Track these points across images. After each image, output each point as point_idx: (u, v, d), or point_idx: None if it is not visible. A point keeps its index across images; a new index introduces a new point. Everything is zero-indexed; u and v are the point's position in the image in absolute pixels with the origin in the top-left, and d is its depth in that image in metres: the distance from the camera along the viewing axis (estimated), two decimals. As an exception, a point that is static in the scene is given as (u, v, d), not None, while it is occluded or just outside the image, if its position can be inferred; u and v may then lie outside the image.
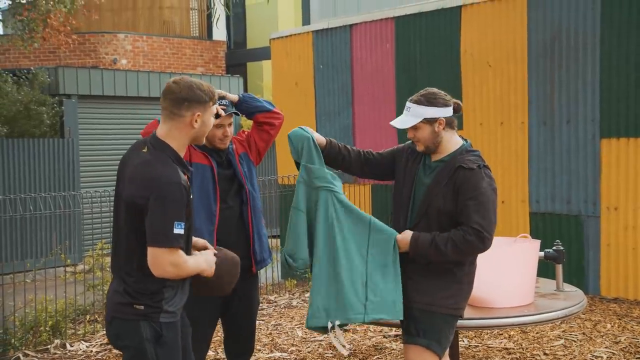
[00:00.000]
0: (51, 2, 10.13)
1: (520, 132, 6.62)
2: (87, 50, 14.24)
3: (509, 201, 6.69)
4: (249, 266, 3.39)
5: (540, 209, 6.52)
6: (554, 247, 3.96)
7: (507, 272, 3.48)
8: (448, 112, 3.05)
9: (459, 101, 3.10)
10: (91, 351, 5.29)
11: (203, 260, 2.69)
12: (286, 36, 8.65)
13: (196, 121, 2.60)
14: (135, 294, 2.58)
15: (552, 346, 4.94)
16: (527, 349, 4.90)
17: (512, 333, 5.22)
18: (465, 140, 3.12)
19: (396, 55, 7.51)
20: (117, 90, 11.37)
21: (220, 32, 16.81)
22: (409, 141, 3.15)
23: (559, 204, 6.40)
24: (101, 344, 5.45)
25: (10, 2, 10.84)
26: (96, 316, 6.08)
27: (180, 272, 2.55)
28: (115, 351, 5.25)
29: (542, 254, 3.87)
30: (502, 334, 5.20)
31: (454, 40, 7.01)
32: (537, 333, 5.22)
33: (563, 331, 5.27)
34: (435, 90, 3.08)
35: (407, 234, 3.02)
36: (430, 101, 3.03)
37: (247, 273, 3.35)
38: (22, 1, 10.49)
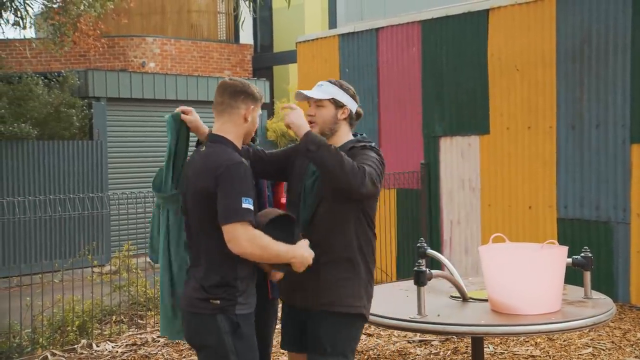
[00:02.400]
0: (81, 7, 10.28)
1: (548, 136, 6.54)
2: (116, 54, 14.42)
3: (535, 206, 6.62)
4: (265, 293, 3.07)
5: (568, 215, 6.43)
6: (582, 254, 3.90)
7: (534, 278, 3.44)
8: (354, 106, 3.05)
9: (361, 110, 3.11)
10: (117, 352, 5.34)
11: (298, 249, 2.68)
12: (313, 40, 8.66)
13: (249, 115, 2.77)
14: (209, 288, 2.65)
15: (580, 354, 4.86)
16: (554, 357, 4.83)
17: (538, 340, 5.15)
18: (360, 134, 3.09)
19: (423, 59, 7.48)
20: (145, 93, 11.48)
21: (247, 36, 16.89)
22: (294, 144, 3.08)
23: (587, 209, 6.30)
24: (127, 345, 5.50)
25: (42, 7, 11.03)
26: (122, 317, 6.14)
27: (257, 248, 2.56)
28: (140, 352, 5.30)
29: (570, 260, 3.81)
30: (528, 341, 5.14)
31: (481, 44, 6.95)
32: (564, 341, 5.15)
33: (591, 339, 5.18)
34: (347, 83, 3.11)
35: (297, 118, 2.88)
36: (343, 87, 3.03)
37: (263, 300, 2.99)
38: (53, 6, 10.66)
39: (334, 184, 2.79)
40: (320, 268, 2.86)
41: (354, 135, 3.08)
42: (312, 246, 2.82)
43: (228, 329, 2.63)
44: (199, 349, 2.75)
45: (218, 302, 2.63)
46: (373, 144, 3.04)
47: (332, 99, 3.00)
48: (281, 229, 2.74)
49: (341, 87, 3.05)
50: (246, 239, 2.55)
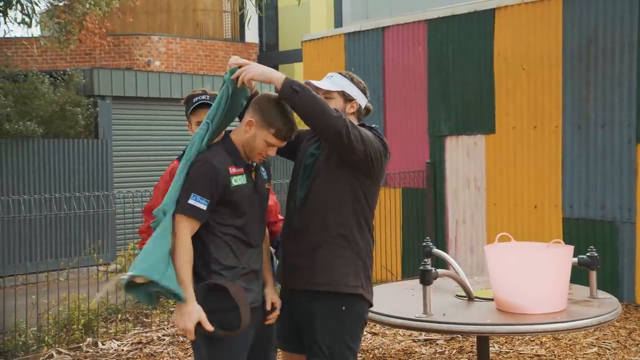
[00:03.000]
0: (87, 5, 10.29)
1: (554, 136, 6.53)
2: (122, 52, 14.44)
3: (541, 206, 6.61)
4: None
5: (573, 215, 6.42)
6: (588, 253, 3.89)
7: (539, 277, 3.43)
8: (363, 101, 2.97)
9: (371, 105, 3.04)
10: (122, 350, 5.35)
11: (189, 299, 2.57)
12: (318, 38, 8.66)
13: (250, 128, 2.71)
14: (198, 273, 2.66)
15: (585, 354, 4.85)
16: (559, 356, 4.82)
17: (544, 340, 5.15)
18: (369, 126, 2.99)
19: (428, 58, 7.47)
20: (151, 92, 11.50)
21: (252, 35, 16.91)
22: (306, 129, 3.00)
23: (593, 209, 6.29)
24: (132, 343, 5.51)
25: (48, 5, 11.05)
26: (127, 315, 6.15)
27: (175, 246, 2.57)
28: (146, 350, 5.31)
29: (575, 260, 3.80)
30: (533, 341, 5.13)
31: (487, 43, 6.94)
32: (569, 340, 5.14)
33: (596, 339, 5.17)
34: (359, 77, 3.02)
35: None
36: (353, 80, 2.96)
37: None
38: (59, 4, 10.68)
39: (319, 128, 2.69)
40: (316, 246, 2.78)
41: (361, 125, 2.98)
42: (305, 225, 2.79)
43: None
44: None
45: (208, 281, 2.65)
46: (374, 126, 2.96)
47: (342, 91, 2.92)
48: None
49: (352, 80, 2.96)
50: (177, 232, 2.58)
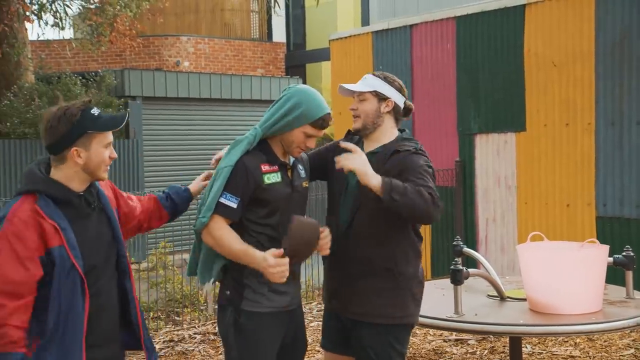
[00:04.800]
0: (118, 7, 10.42)
1: (587, 133, 6.43)
2: (151, 53, 14.59)
3: (574, 204, 6.51)
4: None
5: (607, 213, 6.31)
6: (624, 253, 3.82)
7: (573, 277, 3.39)
8: (400, 99, 2.93)
9: (412, 104, 2.99)
10: (154, 348, 5.40)
11: (256, 255, 2.57)
12: (345, 37, 8.64)
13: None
14: (224, 279, 2.75)
15: (622, 355, 4.77)
16: (594, 357, 4.75)
17: (578, 341, 5.08)
18: (403, 130, 2.98)
19: (457, 55, 7.41)
20: (180, 92, 11.60)
21: (280, 34, 16.95)
22: (332, 142, 3.04)
23: (627, 207, 6.18)
24: (164, 341, 5.56)
25: (80, 8, 11.21)
26: (159, 313, 6.21)
27: (210, 238, 2.64)
28: (177, 349, 5.35)
29: (611, 259, 3.74)
30: (567, 342, 5.07)
31: (517, 40, 6.86)
32: (604, 341, 5.06)
33: (633, 340, 5.09)
34: (395, 76, 3.00)
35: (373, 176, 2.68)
36: (387, 79, 2.93)
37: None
38: (90, 7, 10.84)
39: (419, 220, 2.79)
40: (358, 277, 2.82)
41: (400, 131, 2.97)
42: (349, 254, 2.82)
43: (232, 321, 2.68)
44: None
45: (228, 292, 2.72)
46: (418, 146, 2.89)
47: (374, 91, 2.91)
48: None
49: (385, 79, 2.95)
50: (207, 231, 2.65)
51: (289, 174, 2.77)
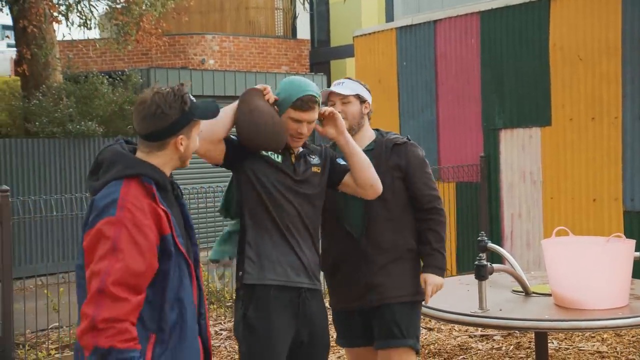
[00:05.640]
0: (143, 7, 10.54)
1: (614, 127, 6.36)
2: (177, 52, 14.72)
3: (600, 199, 6.45)
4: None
5: (635, 208, 6.24)
6: (651, 248, 3.79)
7: (599, 272, 3.37)
8: (370, 100, 3.19)
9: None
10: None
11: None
12: (369, 33, 8.65)
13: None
14: (238, 263, 2.82)
15: (648, 351, 4.73)
16: (622, 352, 4.72)
17: (605, 336, 5.04)
18: (376, 129, 3.24)
19: (482, 50, 7.38)
20: (205, 90, 11.70)
21: (304, 31, 16.98)
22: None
23: (655, 202, 6.11)
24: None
25: (106, 8, 11.36)
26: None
27: (204, 130, 2.58)
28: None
29: (637, 254, 3.71)
30: (594, 337, 5.03)
31: (543, 34, 6.81)
32: (632, 337, 5.02)
33: (660, 335, 5.04)
34: None
35: (430, 277, 3.06)
36: (361, 83, 3.19)
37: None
38: (117, 6, 10.97)
39: None
40: (389, 265, 3.05)
41: (374, 130, 3.22)
42: (373, 247, 3.01)
43: (241, 314, 2.75)
44: None
45: (240, 273, 2.77)
46: (406, 137, 3.21)
47: (357, 94, 3.14)
48: None
49: (359, 83, 3.20)
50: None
51: (293, 158, 2.84)
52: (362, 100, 3.14)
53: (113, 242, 2.02)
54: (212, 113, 2.29)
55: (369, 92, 3.21)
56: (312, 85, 2.82)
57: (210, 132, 2.72)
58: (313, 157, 2.90)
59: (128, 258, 2.03)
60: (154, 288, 2.11)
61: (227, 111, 2.79)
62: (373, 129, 3.22)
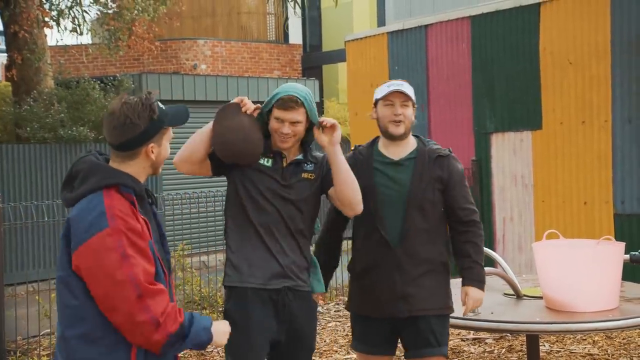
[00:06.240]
0: (135, 12, 10.53)
1: (604, 130, 6.40)
2: (169, 57, 14.71)
3: (591, 202, 6.48)
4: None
5: (625, 210, 6.28)
6: (640, 250, 3.82)
7: (590, 275, 3.39)
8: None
9: None
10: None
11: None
12: (361, 38, 8.67)
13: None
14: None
15: None
16: (612, 355, 4.74)
17: (596, 338, 5.06)
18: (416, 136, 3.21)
19: (473, 54, 7.41)
20: (197, 95, 11.69)
21: (296, 36, 17.00)
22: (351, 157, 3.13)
23: (646, 205, 6.14)
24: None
25: (98, 13, 11.34)
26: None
27: (184, 149, 2.83)
28: (196, 350, 5.41)
29: (627, 256, 3.74)
30: (585, 339, 5.05)
31: (533, 38, 6.85)
32: (623, 339, 5.04)
33: (651, 338, 5.06)
34: None
35: (472, 290, 3.06)
36: (412, 88, 3.16)
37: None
38: (108, 12, 10.96)
39: None
40: (423, 276, 3.02)
41: (414, 136, 3.18)
42: (410, 257, 3.00)
43: (224, 301, 2.88)
44: None
45: (224, 274, 2.92)
46: (450, 151, 3.19)
47: (413, 99, 3.12)
48: None
49: (412, 87, 3.16)
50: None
51: (284, 162, 2.88)
52: (413, 105, 3.12)
53: (120, 251, 2.03)
54: (183, 119, 2.31)
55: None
56: (299, 89, 2.87)
57: (189, 154, 2.82)
58: (308, 164, 2.93)
59: (141, 261, 2.06)
60: None
61: (204, 132, 2.85)
62: (413, 135, 3.16)
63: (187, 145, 2.85)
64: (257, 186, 2.82)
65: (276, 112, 2.84)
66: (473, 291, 3.04)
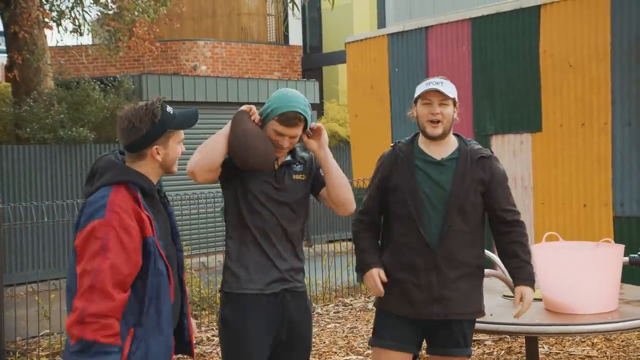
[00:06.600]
0: (135, 13, 10.53)
1: (603, 133, 6.40)
2: (169, 58, 14.72)
3: (591, 205, 6.49)
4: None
5: (625, 213, 6.28)
6: (640, 252, 3.83)
7: (589, 277, 3.39)
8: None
9: None
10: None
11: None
12: (361, 40, 8.68)
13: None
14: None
15: None
16: (611, 357, 4.74)
17: (595, 341, 5.06)
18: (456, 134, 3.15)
19: (473, 56, 7.42)
20: (197, 96, 11.70)
21: (296, 37, 17.01)
22: (384, 155, 3.09)
23: (645, 207, 6.15)
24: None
25: (98, 14, 11.35)
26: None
27: (198, 154, 2.84)
28: (195, 351, 5.41)
29: (627, 259, 3.74)
30: (584, 341, 5.06)
31: (533, 41, 6.85)
32: (622, 341, 5.05)
33: (650, 340, 5.07)
34: None
35: (527, 291, 3.00)
36: (454, 85, 3.06)
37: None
38: (109, 12, 10.97)
39: None
40: (460, 279, 2.98)
41: (455, 135, 3.13)
42: (448, 259, 2.95)
43: (220, 312, 2.87)
44: None
45: (222, 280, 2.94)
46: (490, 150, 3.15)
47: (454, 98, 3.02)
48: None
49: (453, 85, 3.05)
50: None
51: (275, 166, 2.87)
52: (455, 104, 3.03)
53: (103, 242, 2.22)
54: (190, 122, 2.50)
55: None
56: (300, 101, 2.85)
57: (210, 162, 2.79)
58: (297, 165, 2.94)
59: (116, 257, 2.22)
60: (136, 286, 2.30)
61: (220, 138, 2.81)
62: (454, 134, 3.10)
63: (204, 155, 2.79)
64: (253, 191, 2.82)
65: (277, 127, 2.82)
66: (527, 291, 2.98)
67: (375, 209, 3.08)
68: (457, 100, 3.03)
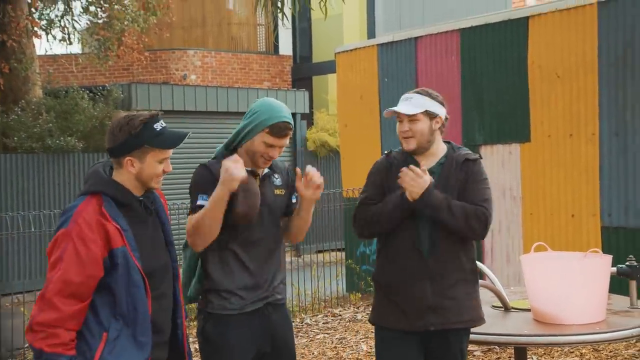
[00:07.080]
0: (125, 22, 10.52)
1: (591, 143, 6.44)
2: (159, 67, 14.70)
3: (579, 215, 6.51)
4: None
5: (612, 223, 6.31)
6: (628, 263, 3.83)
7: (577, 287, 3.39)
8: (444, 113, 3.02)
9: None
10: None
11: (217, 187, 2.69)
12: (351, 50, 8.70)
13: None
14: (202, 288, 2.86)
15: (627, 365, 4.77)
16: (599, 367, 4.75)
17: (583, 351, 5.07)
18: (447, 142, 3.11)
19: (462, 67, 7.45)
20: (187, 106, 11.68)
21: (286, 47, 17.03)
22: (377, 163, 3.07)
23: (632, 217, 6.18)
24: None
25: (88, 23, 11.34)
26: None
27: (192, 227, 2.70)
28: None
29: (614, 269, 3.75)
30: (573, 352, 5.06)
31: (521, 52, 6.90)
32: (610, 352, 5.05)
33: (639, 350, 5.07)
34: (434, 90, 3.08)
35: (428, 180, 2.84)
36: (431, 96, 3.00)
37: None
38: (98, 21, 10.95)
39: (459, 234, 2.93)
40: (455, 286, 2.93)
41: (446, 142, 3.08)
42: (441, 267, 2.90)
43: (200, 329, 2.82)
44: None
45: (200, 297, 2.86)
46: (478, 155, 3.10)
47: (425, 111, 2.97)
48: None
49: (430, 96, 3.01)
50: (188, 230, 2.74)
51: (257, 182, 2.83)
52: (432, 116, 2.96)
53: (60, 252, 2.27)
54: (171, 144, 2.45)
55: (443, 104, 3.03)
56: (286, 110, 2.85)
57: (213, 236, 2.70)
58: (276, 176, 2.91)
59: (67, 268, 2.25)
60: (104, 295, 2.32)
61: (219, 202, 2.65)
62: (444, 142, 3.07)
63: (203, 238, 2.67)
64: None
65: (268, 138, 2.77)
66: (418, 179, 2.82)
67: (377, 196, 2.99)
68: (435, 111, 2.98)
